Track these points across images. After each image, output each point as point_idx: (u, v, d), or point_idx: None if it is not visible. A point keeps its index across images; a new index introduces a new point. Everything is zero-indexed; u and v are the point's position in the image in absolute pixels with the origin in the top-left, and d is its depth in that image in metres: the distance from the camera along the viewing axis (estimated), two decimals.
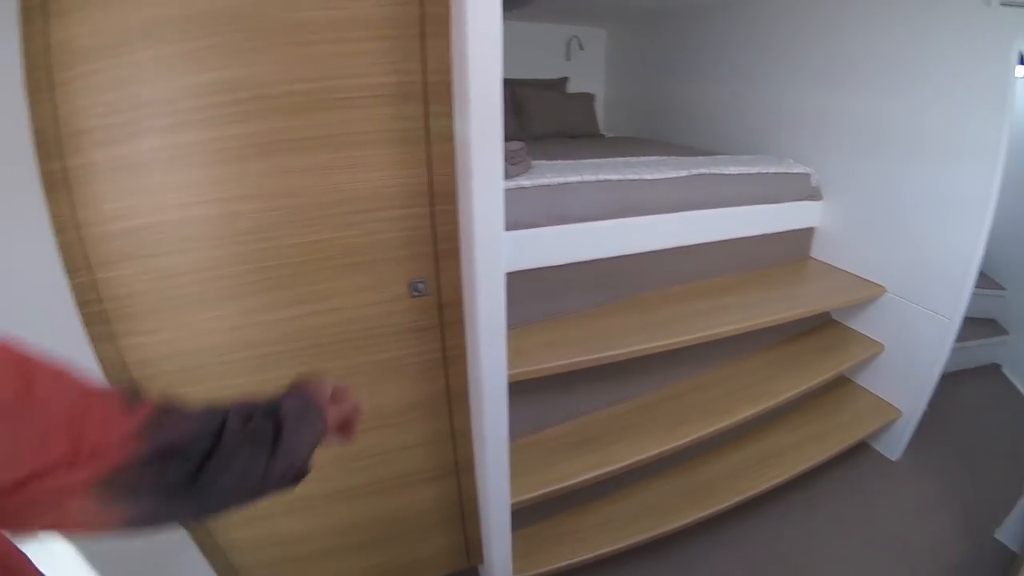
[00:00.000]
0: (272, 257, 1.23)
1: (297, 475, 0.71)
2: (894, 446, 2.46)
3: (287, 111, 1.13)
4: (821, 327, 2.56)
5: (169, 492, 0.55)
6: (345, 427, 0.86)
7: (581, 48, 4.09)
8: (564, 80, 4.00)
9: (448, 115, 1.20)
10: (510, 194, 1.68)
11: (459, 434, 1.61)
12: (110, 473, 0.49)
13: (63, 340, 1.17)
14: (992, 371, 3.28)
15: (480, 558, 1.86)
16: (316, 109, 1.14)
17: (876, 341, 2.41)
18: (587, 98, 3.86)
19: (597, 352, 1.67)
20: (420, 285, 1.34)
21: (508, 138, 1.83)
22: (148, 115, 1.05)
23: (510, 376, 1.43)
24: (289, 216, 1.20)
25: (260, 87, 1.10)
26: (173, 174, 1.10)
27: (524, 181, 1.74)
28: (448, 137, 1.22)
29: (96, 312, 1.16)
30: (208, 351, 1.27)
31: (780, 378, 2.16)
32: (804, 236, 2.60)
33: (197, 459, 0.57)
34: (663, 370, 2.07)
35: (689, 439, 1.83)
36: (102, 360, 1.19)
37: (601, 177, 1.92)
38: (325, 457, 0.83)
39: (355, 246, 1.27)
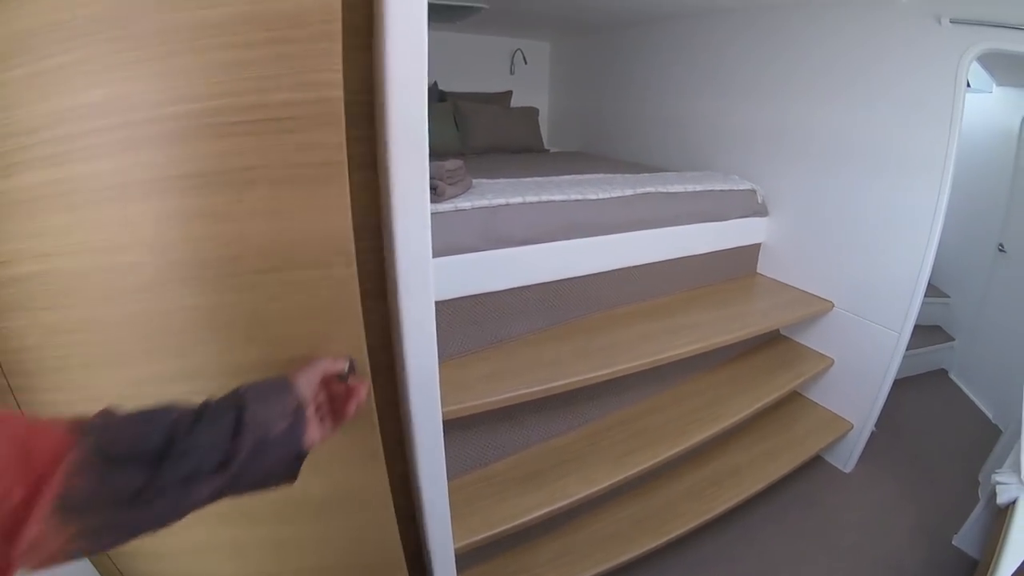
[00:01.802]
0: (162, 321, 0.99)
1: (286, 461, 0.70)
2: (847, 458, 2.45)
3: (166, 140, 0.88)
4: (770, 343, 2.54)
5: (127, 499, 0.53)
6: (337, 407, 0.85)
7: (525, 62, 4.05)
8: (508, 94, 3.94)
9: (370, 139, 1.08)
10: (447, 216, 1.59)
11: (400, 482, 1.49)
12: (62, 493, 0.48)
13: None
14: (939, 376, 3.34)
15: None
16: (201, 137, 0.87)
17: (826, 356, 2.40)
18: (531, 112, 3.81)
19: (541, 383, 1.58)
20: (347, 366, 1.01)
21: (449, 154, 1.77)
22: (26, 144, 0.89)
23: (448, 414, 1.33)
24: (178, 273, 0.95)
25: (133, 110, 0.87)
26: (55, 216, 0.93)
27: (462, 203, 1.65)
28: (370, 164, 1.10)
29: None
30: None
31: (732, 398, 2.11)
32: (751, 252, 2.58)
33: (149, 458, 0.56)
34: (611, 395, 2.00)
35: (640, 468, 1.76)
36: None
37: (544, 198, 1.84)
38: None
39: (262, 315, 0.98)
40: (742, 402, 2.09)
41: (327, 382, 0.87)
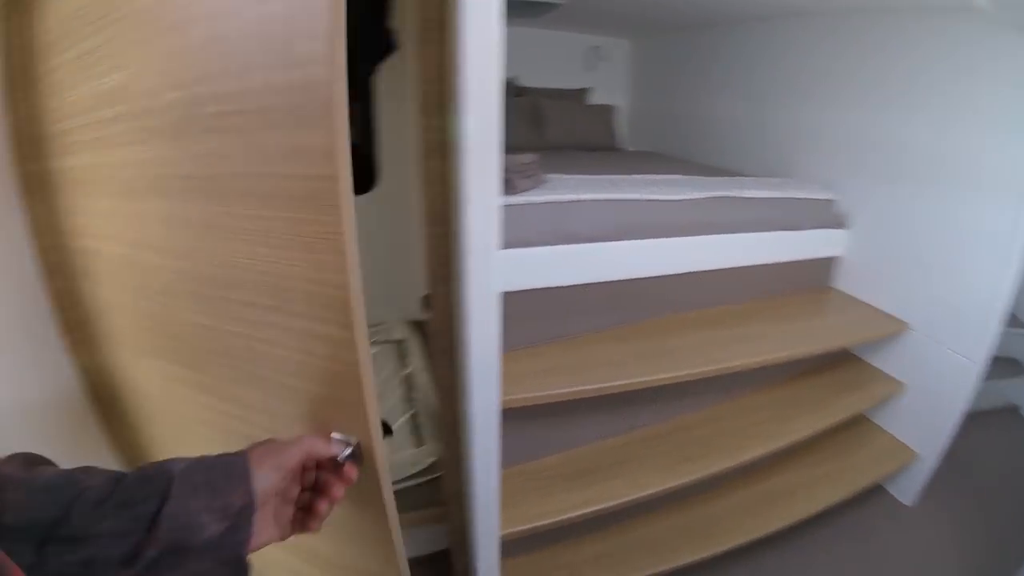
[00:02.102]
0: (176, 329, 0.93)
1: (222, 566, 0.55)
2: (910, 490, 2.34)
3: (164, 133, 0.77)
4: (840, 361, 2.44)
5: None
6: (317, 501, 0.67)
7: (604, 59, 4.00)
8: (585, 91, 3.91)
9: (444, 129, 1.08)
10: (517, 209, 1.60)
11: (451, 465, 1.52)
12: None
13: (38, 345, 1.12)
14: (1010, 413, 3.14)
15: None
16: (191, 131, 0.74)
17: (897, 380, 2.29)
18: (608, 110, 3.77)
19: (599, 382, 1.57)
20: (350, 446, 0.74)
21: (524, 149, 1.77)
22: (76, 126, 0.93)
23: (504, 403, 1.34)
24: (186, 284, 0.86)
25: (142, 96, 0.78)
26: (101, 200, 0.96)
27: (534, 196, 1.65)
28: (443, 153, 1.10)
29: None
30: None
31: (795, 415, 2.05)
32: (826, 265, 2.49)
33: (38, 535, 0.46)
34: (670, 401, 1.97)
35: (693, 478, 1.73)
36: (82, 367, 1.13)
37: (616, 196, 1.82)
38: None
39: (259, 356, 0.81)
40: (806, 421, 2.02)
41: (312, 467, 0.70)
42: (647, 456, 1.80)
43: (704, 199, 2.00)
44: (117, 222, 0.93)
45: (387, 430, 1.62)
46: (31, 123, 0.98)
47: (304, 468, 0.67)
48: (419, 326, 1.94)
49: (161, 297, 0.91)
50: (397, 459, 1.84)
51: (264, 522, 0.61)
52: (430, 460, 1.87)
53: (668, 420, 1.99)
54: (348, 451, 0.72)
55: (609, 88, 4.06)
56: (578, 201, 1.75)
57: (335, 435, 0.74)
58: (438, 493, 1.67)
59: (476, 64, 0.94)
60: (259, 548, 0.60)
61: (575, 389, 1.54)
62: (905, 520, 2.29)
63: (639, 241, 1.87)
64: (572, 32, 3.85)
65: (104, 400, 1.23)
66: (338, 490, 0.68)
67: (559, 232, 1.71)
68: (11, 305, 1.08)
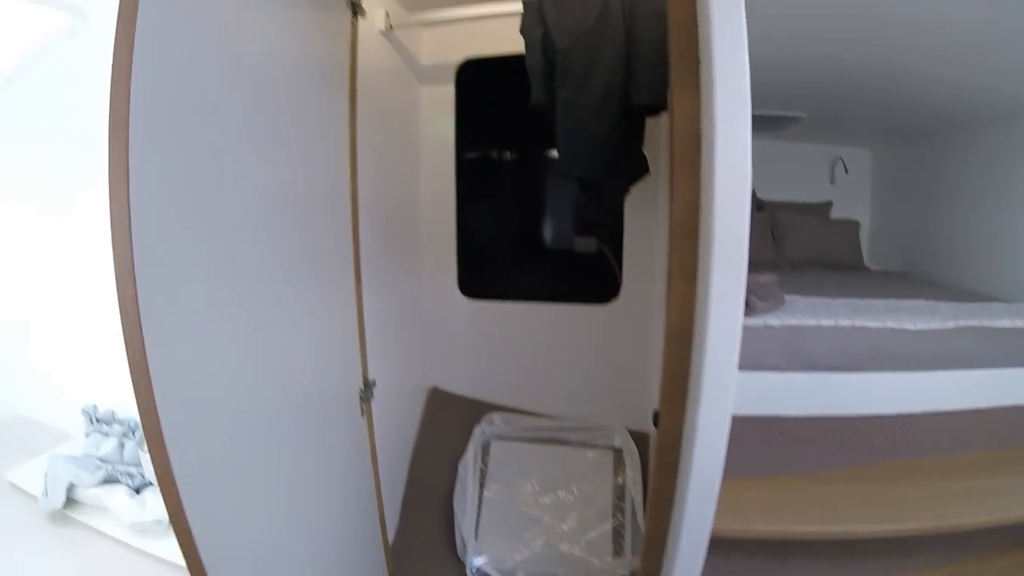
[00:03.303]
0: None
1: None
2: None
3: None
4: None
5: None
6: None
7: (846, 171, 3.80)
8: (827, 205, 3.74)
9: (694, 255, 1.14)
10: (753, 332, 1.57)
11: None
12: None
13: None
14: None
15: None
16: None
17: None
18: (851, 226, 3.56)
19: (816, 524, 1.46)
20: None
21: (763, 265, 1.76)
22: None
23: (716, 531, 1.28)
24: None
25: None
26: None
27: (771, 319, 1.61)
28: (692, 276, 1.15)
29: None
30: None
31: None
32: None
33: None
34: (894, 555, 1.70)
35: None
36: None
37: (857, 323, 1.71)
38: None
39: None
40: None
41: None
42: None
43: (951, 329, 1.80)
44: None
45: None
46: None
47: None
48: (637, 436, 1.97)
49: None
50: (595, 567, 1.82)
51: None
52: (627, 573, 1.82)
53: None
54: None
55: (850, 201, 3.83)
56: (817, 327, 1.67)
57: None
58: None
59: (727, 197, 1.00)
60: None
61: (788, 529, 1.45)
62: None
63: (879, 374, 1.71)
64: (812, 144, 3.74)
65: None
66: None
67: (795, 358, 1.63)
68: None
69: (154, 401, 0.88)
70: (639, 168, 1.60)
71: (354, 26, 1.55)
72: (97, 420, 2.51)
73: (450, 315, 2.30)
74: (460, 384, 2.28)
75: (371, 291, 1.64)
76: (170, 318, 0.91)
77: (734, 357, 1.10)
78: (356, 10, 1.54)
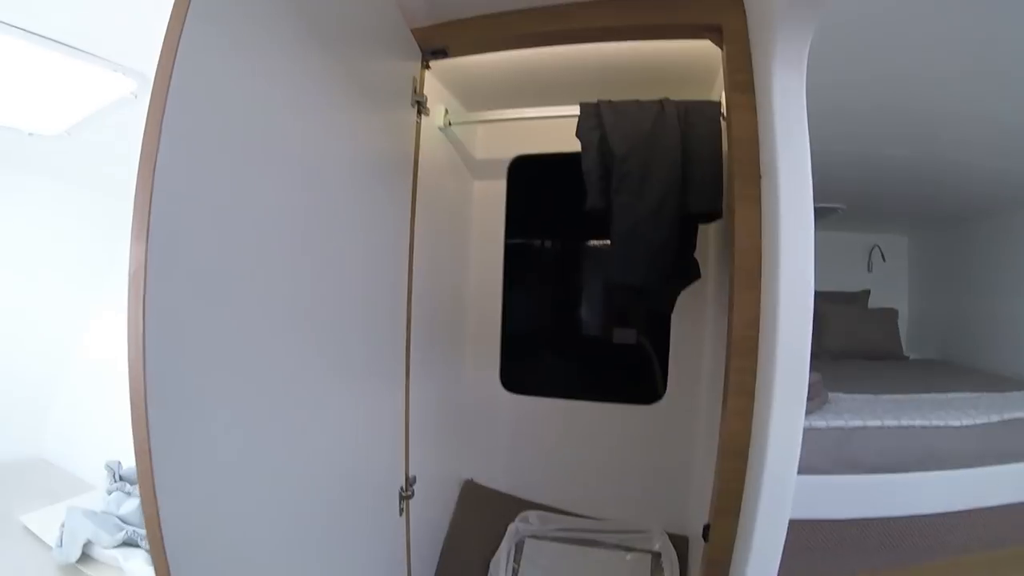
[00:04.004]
0: None
1: None
2: None
3: None
4: None
5: None
6: None
7: (883, 259, 3.81)
8: (865, 294, 3.72)
9: (752, 371, 1.14)
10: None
11: None
12: None
13: None
14: None
15: None
16: None
17: None
18: (890, 314, 3.53)
19: None
20: None
21: None
22: None
23: None
24: None
25: None
26: None
27: (817, 421, 1.60)
28: (750, 392, 1.15)
29: None
30: None
31: None
32: None
33: None
34: None
35: None
36: None
37: (903, 422, 1.70)
38: None
39: None
40: None
41: None
42: None
43: (996, 423, 1.78)
44: None
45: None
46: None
47: None
48: (677, 540, 1.91)
49: None
50: None
51: None
52: None
53: None
54: None
55: (888, 288, 3.82)
56: (863, 428, 1.66)
57: None
58: None
59: (791, 314, 1.02)
60: None
61: None
62: None
63: (925, 474, 1.70)
64: (848, 232, 3.76)
65: None
66: None
67: (840, 460, 1.62)
68: None
69: (156, 506, 0.75)
70: (691, 273, 1.60)
71: (418, 123, 1.61)
72: (120, 478, 2.48)
73: (490, 407, 2.24)
74: (496, 478, 2.22)
75: (417, 383, 1.61)
76: (182, 411, 0.82)
77: (793, 471, 1.09)
78: (421, 109, 1.60)
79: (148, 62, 1.49)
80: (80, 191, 2.75)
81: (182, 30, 0.76)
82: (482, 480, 2.23)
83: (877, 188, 2.78)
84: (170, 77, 0.75)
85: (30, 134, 1.90)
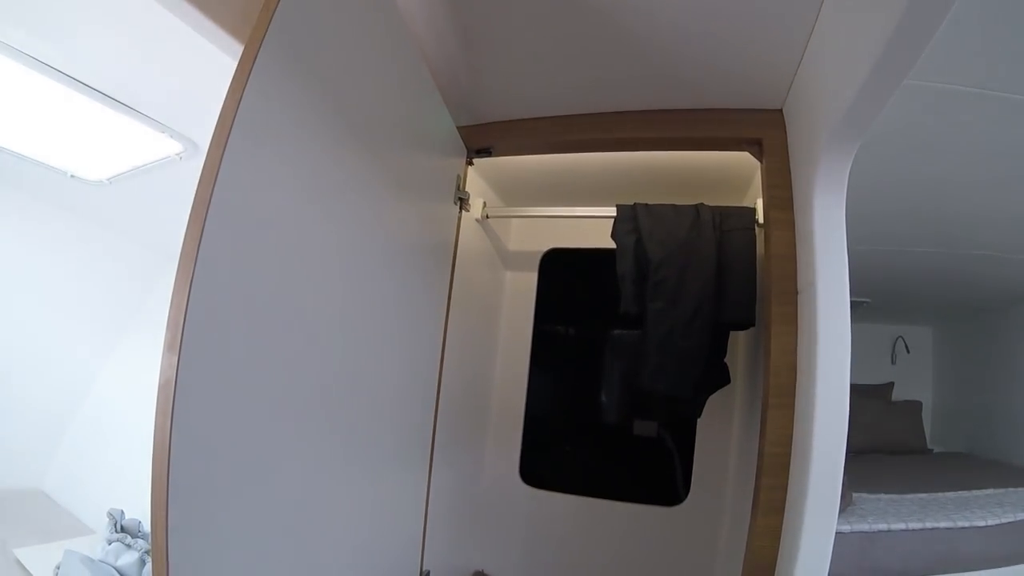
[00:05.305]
0: None
1: None
2: None
3: None
4: None
5: None
6: None
7: (908, 350, 3.79)
8: (889, 386, 3.69)
9: (783, 488, 1.16)
10: None
11: None
12: None
13: None
14: None
15: None
16: None
17: None
18: (914, 407, 3.49)
19: None
20: None
21: None
22: None
23: None
24: None
25: None
26: None
27: (841, 525, 1.59)
28: (779, 510, 1.16)
29: None
30: None
31: None
32: None
33: None
34: None
35: None
36: None
37: (928, 524, 1.68)
38: None
39: None
40: None
41: None
42: None
43: (1023, 521, 1.75)
44: None
45: None
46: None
47: None
48: None
49: None
50: None
51: None
52: None
53: None
54: None
55: (913, 380, 3.78)
56: (888, 531, 1.65)
57: None
58: None
59: (826, 433, 1.05)
60: None
61: None
62: None
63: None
64: (872, 323, 3.77)
65: None
66: None
67: (864, 566, 1.61)
68: None
69: None
70: (721, 379, 1.61)
71: (459, 218, 1.67)
72: (122, 528, 2.44)
73: (507, 500, 2.25)
74: (507, 573, 2.18)
75: (438, 472, 1.58)
76: (202, 509, 0.76)
77: None
78: (463, 205, 1.67)
79: (195, 127, 1.57)
80: (116, 237, 2.81)
81: (234, 117, 0.73)
82: (493, 572, 2.18)
83: (904, 282, 2.80)
84: (217, 171, 0.72)
85: (72, 176, 1.97)
